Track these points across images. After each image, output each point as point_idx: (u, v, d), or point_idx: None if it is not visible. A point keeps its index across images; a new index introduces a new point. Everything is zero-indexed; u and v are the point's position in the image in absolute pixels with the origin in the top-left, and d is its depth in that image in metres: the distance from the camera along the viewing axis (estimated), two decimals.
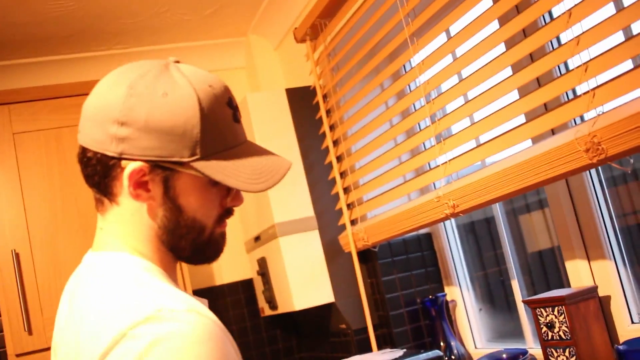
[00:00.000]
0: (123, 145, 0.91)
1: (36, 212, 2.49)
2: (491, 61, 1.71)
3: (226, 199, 1.00)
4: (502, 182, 1.67)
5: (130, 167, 0.91)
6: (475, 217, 2.37)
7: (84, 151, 0.95)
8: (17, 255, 2.42)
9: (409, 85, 2.20)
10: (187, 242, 0.97)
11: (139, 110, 0.90)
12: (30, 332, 2.40)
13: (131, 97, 0.91)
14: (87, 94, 2.68)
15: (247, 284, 3.05)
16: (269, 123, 2.58)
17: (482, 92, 1.74)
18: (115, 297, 0.87)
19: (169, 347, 0.79)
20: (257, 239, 2.72)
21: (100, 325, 0.85)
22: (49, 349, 2.41)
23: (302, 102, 2.64)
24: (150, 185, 0.93)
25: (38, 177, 2.52)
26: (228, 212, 1.01)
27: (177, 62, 0.98)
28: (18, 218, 2.46)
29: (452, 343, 2.28)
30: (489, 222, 2.29)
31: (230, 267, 3.07)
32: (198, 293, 2.94)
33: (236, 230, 3.04)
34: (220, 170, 0.93)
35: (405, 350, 2.13)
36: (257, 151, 1.00)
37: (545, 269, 2.12)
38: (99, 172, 0.94)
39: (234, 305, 3.05)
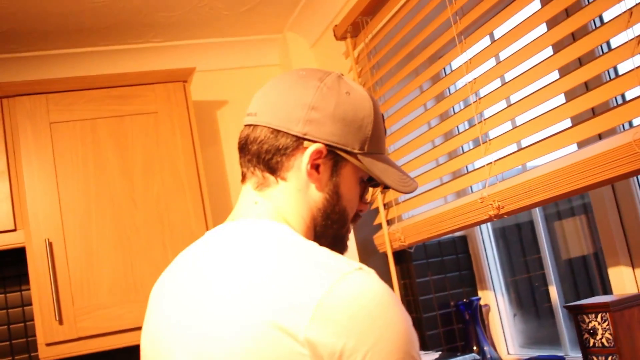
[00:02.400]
0: (309, 127, 1.02)
1: (70, 202, 2.49)
2: (538, 64, 1.68)
3: (362, 202, 1.12)
4: (549, 184, 1.65)
5: (313, 147, 1.02)
6: (511, 222, 2.34)
7: (256, 131, 1.05)
8: (50, 244, 2.42)
9: (449, 88, 2.18)
10: (333, 230, 1.07)
11: (329, 100, 1.03)
12: (61, 322, 2.39)
13: (322, 88, 1.04)
14: (123, 86, 2.67)
15: None
16: None
17: (528, 95, 1.72)
18: (314, 255, 0.92)
19: (379, 298, 0.87)
20: None
21: (302, 283, 0.88)
22: (79, 339, 2.42)
23: None
24: (321, 167, 1.03)
25: (73, 167, 2.52)
26: (358, 215, 1.13)
27: (344, 75, 1.11)
28: (52, 208, 2.47)
29: (485, 348, 2.25)
30: (525, 227, 2.26)
31: None
32: None
33: None
34: (377, 167, 1.06)
35: (440, 352, 2.10)
36: (395, 164, 1.13)
37: (580, 277, 2.09)
38: (277, 149, 1.03)
39: None
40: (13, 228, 2.43)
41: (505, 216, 1.81)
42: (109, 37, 2.85)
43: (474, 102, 1.91)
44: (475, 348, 2.25)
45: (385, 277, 2.44)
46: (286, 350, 0.86)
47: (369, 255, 2.49)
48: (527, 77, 1.72)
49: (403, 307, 0.90)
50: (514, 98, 1.86)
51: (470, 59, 1.92)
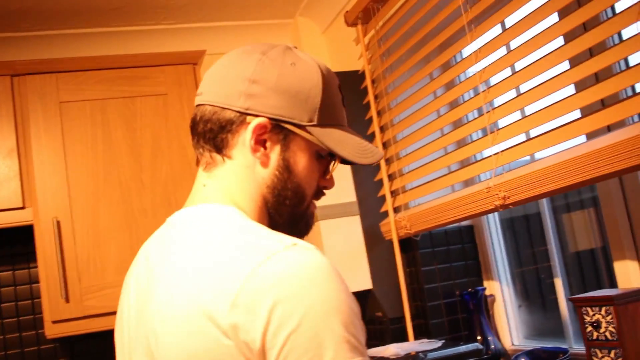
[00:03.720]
0: (251, 101, 0.98)
1: (78, 181, 2.50)
2: (549, 53, 1.66)
3: (323, 177, 1.07)
4: (555, 176, 1.63)
5: (255, 121, 0.98)
6: (519, 213, 2.33)
7: (203, 110, 1.02)
8: (58, 223, 2.44)
9: (459, 76, 2.16)
10: (287, 208, 1.02)
11: (271, 72, 0.99)
12: (67, 300, 2.41)
13: (264, 60, 1.00)
14: (134, 67, 2.68)
15: None
16: None
17: (538, 85, 1.70)
18: (246, 236, 0.90)
19: (317, 274, 0.84)
20: None
21: (226, 268, 0.86)
22: (85, 317, 2.44)
23: (349, 86, 2.61)
24: (268, 143, 1.00)
25: (82, 147, 2.53)
26: (320, 191, 1.08)
27: (296, 47, 1.07)
28: (61, 186, 2.48)
29: (489, 338, 2.24)
30: (532, 219, 2.25)
31: None
32: None
33: None
34: (331, 139, 1.01)
35: (443, 341, 2.10)
36: (358, 135, 1.08)
37: (587, 270, 2.08)
38: (220, 126, 1.00)
39: None
40: (21, 206, 2.44)
41: (511, 207, 1.81)
42: (121, 18, 2.84)
43: (482, 92, 1.89)
44: (479, 338, 2.24)
45: (391, 265, 2.44)
46: (212, 343, 0.84)
47: (376, 243, 2.49)
48: (536, 67, 1.71)
49: (343, 285, 0.86)
50: (522, 88, 1.84)
51: (479, 47, 1.90)
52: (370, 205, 2.52)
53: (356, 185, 2.52)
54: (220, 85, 1.01)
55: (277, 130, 1.00)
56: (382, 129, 2.48)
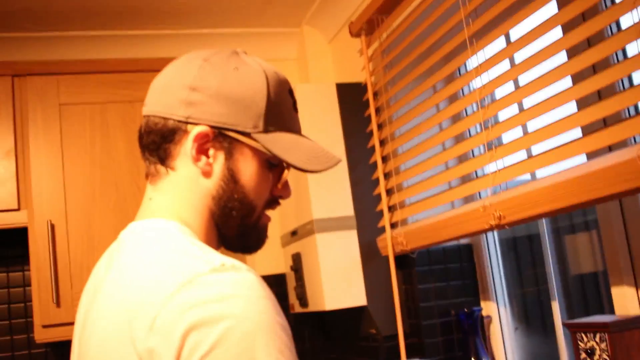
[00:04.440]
0: (191, 109, 0.94)
1: (75, 185, 2.48)
2: (551, 70, 1.62)
3: (276, 187, 1.03)
4: (553, 196, 1.59)
5: (196, 129, 0.94)
6: (519, 233, 2.28)
7: (147, 121, 0.98)
8: (52, 226, 2.42)
9: (462, 90, 2.12)
10: (236, 221, 0.99)
11: (212, 78, 0.95)
12: (58, 305, 2.39)
13: (205, 67, 0.96)
14: (135, 71, 2.67)
15: (280, 279, 2.99)
16: (316, 116, 2.53)
17: (539, 102, 1.66)
18: (173, 255, 0.87)
19: (239, 295, 0.80)
20: (293, 233, 2.67)
21: (149, 289, 0.83)
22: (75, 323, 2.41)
23: (351, 98, 2.58)
24: (211, 151, 0.96)
25: (80, 150, 2.52)
26: (275, 201, 1.04)
27: (244, 52, 1.04)
28: (57, 189, 2.46)
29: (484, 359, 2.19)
30: (532, 240, 2.20)
31: (264, 259, 3.02)
32: None
33: (273, 223, 2.98)
34: (278, 146, 0.97)
35: None
36: (312, 141, 1.04)
37: (588, 294, 2.02)
38: (162, 136, 0.96)
39: None
40: (17, 207, 2.43)
41: (507, 227, 1.76)
42: (125, 22, 2.83)
43: (481, 108, 1.85)
44: (472, 359, 2.19)
45: (387, 282, 2.39)
46: None
47: (372, 258, 2.45)
48: (537, 84, 1.66)
49: (267, 309, 0.81)
50: (524, 105, 1.80)
51: (480, 63, 1.86)
52: (367, 220, 2.48)
53: (355, 199, 2.48)
54: (162, 94, 0.98)
55: (221, 138, 0.96)
56: (383, 143, 2.44)
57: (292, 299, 2.75)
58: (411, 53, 2.23)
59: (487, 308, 2.35)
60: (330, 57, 3.06)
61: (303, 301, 2.60)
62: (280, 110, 0.99)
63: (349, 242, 2.44)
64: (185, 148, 0.96)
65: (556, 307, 2.05)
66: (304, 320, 3.03)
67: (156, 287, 0.82)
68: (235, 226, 0.99)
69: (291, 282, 2.74)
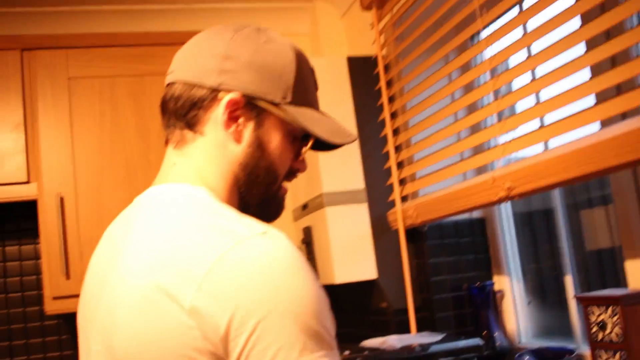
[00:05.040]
0: (224, 76, 0.96)
1: (84, 158, 2.48)
2: (564, 37, 1.58)
3: (296, 159, 1.04)
4: (563, 166, 1.55)
5: (228, 96, 0.96)
6: (532, 208, 2.24)
7: (174, 88, 0.99)
8: (61, 199, 2.42)
9: (475, 59, 2.08)
10: (260, 189, 1.00)
11: (245, 48, 0.97)
12: (68, 277, 2.40)
13: (237, 38, 0.98)
14: (144, 45, 2.64)
15: None
16: (326, 90, 2.48)
17: (552, 70, 1.61)
18: (213, 218, 0.87)
19: (277, 264, 0.81)
20: (304, 207, 2.65)
21: (192, 250, 0.83)
22: None
23: (363, 71, 2.54)
24: (241, 119, 0.97)
25: (89, 124, 2.51)
26: (292, 174, 1.05)
27: (268, 29, 1.05)
28: (66, 162, 2.46)
29: (495, 334, 2.17)
30: (546, 214, 2.16)
31: None
32: None
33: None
34: (305, 118, 0.99)
35: (444, 335, 2.03)
36: (331, 118, 1.06)
37: (603, 269, 1.99)
38: (192, 102, 0.97)
39: None
40: (26, 180, 2.43)
41: (517, 198, 1.73)
42: None
43: (491, 79, 1.81)
44: (484, 333, 2.17)
45: (398, 256, 2.37)
46: (173, 322, 0.81)
47: (383, 232, 2.42)
48: (550, 51, 1.62)
49: (311, 277, 0.83)
50: (535, 73, 1.75)
51: (492, 32, 1.82)
52: (378, 194, 2.45)
53: (365, 173, 2.45)
54: (192, 62, 0.99)
55: (250, 107, 0.97)
56: (394, 116, 2.41)
57: None
58: (422, 24, 2.18)
59: (500, 282, 2.32)
60: (343, 31, 3.01)
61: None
62: (306, 85, 1.02)
63: (359, 216, 2.42)
64: (216, 114, 0.97)
65: (569, 282, 2.02)
66: None
67: (201, 247, 0.83)
68: (258, 194, 1.01)
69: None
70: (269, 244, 0.82)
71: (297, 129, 1.01)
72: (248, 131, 0.98)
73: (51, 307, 2.38)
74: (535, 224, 2.25)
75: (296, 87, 0.99)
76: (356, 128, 2.47)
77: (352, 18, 2.89)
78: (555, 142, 1.69)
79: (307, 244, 2.61)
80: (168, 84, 1.01)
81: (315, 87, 1.06)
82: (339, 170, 2.44)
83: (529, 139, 1.70)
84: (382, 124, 2.46)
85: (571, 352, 1.84)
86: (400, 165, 2.39)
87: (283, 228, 2.87)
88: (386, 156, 2.44)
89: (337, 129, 1.04)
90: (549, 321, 2.21)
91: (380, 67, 2.42)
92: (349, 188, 2.43)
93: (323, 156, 2.42)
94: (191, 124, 0.98)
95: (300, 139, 1.04)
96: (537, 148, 1.77)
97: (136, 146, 2.53)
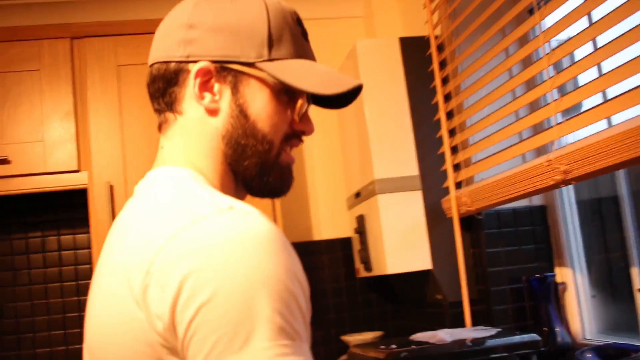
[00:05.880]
0: (190, 47, 0.90)
1: (133, 146, 2.46)
2: (627, 1, 1.43)
3: (295, 120, 0.95)
4: (624, 144, 1.40)
5: (196, 66, 0.89)
6: (597, 195, 2.09)
7: (151, 70, 0.93)
8: (111, 187, 2.40)
9: (533, 31, 1.92)
10: (253, 159, 0.91)
11: (207, 12, 0.90)
12: None
13: (200, 3, 0.92)
14: None
15: (346, 243, 2.90)
16: (378, 73, 2.40)
17: (614, 39, 1.47)
18: (180, 199, 0.81)
19: (245, 240, 0.72)
20: (357, 195, 2.57)
21: (150, 233, 0.77)
22: None
23: (416, 52, 2.43)
24: (216, 89, 0.90)
25: (138, 112, 2.48)
26: (296, 136, 0.96)
27: None
28: (115, 151, 2.44)
29: (557, 329, 2.03)
30: (614, 201, 2.00)
31: (330, 223, 2.93)
32: (293, 247, 2.83)
33: (339, 184, 2.90)
34: (288, 73, 0.89)
35: (499, 330, 1.91)
36: (327, 67, 0.95)
37: None
38: (166, 81, 0.91)
39: (330, 263, 2.91)
40: (76, 169, 2.43)
41: (574, 182, 1.59)
42: None
43: (545, 55, 1.67)
44: (545, 329, 2.04)
45: (453, 245, 2.26)
46: (128, 315, 0.74)
47: (438, 221, 2.31)
48: (611, 19, 1.47)
49: (281, 256, 0.72)
50: (595, 44, 1.61)
51: (547, 2, 1.68)
52: (434, 180, 2.34)
53: (419, 159, 2.34)
54: (161, 39, 0.93)
55: (225, 73, 0.90)
56: (447, 98, 2.29)
57: (358, 263, 2.66)
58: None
59: (562, 274, 2.18)
60: (397, 12, 2.90)
61: (367, 265, 2.49)
62: (285, 36, 0.92)
63: (413, 204, 2.32)
64: (190, 88, 0.90)
65: (636, 274, 1.87)
66: (371, 285, 2.93)
67: (157, 229, 0.76)
68: (252, 165, 0.91)
69: (357, 246, 2.65)
70: (230, 220, 0.74)
71: (285, 88, 0.91)
72: (225, 100, 0.90)
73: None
74: (601, 212, 2.10)
75: (272, 41, 0.90)
76: (409, 111, 2.37)
77: None
78: (618, 119, 1.54)
79: (360, 233, 2.53)
80: (149, 67, 0.95)
81: (302, 36, 0.95)
82: (392, 156, 2.34)
83: (586, 117, 1.56)
84: (436, 106, 2.34)
85: (638, 349, 1.70)
86: (454, 149, 2.27)
87: (337, 218, 2.82)
88: (440, 140, 2.33)
89: (329, 76, 0.92)
90: (615, 316, 2.06)
91: (433, 47, 2.31)
92: (402, 174, 2.33)
93: (375, 141, 2.33)
94: (169, 104, 0.93)
95: (296, 95, 0.94)
96: (598, 127, 1.62)
97: None
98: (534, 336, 1.77)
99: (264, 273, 0.70)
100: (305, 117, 0.96)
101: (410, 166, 2.34)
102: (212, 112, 0.91)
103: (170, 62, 0.91)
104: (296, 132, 0.95)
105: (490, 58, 2.00)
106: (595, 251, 2.12)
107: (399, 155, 2.34)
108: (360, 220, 2.52)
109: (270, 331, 0.68)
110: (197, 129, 0.91)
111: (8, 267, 2.72)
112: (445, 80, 2.31)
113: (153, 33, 2.66)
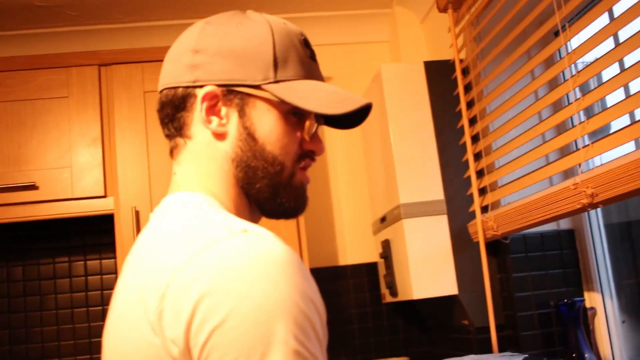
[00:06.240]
0: (197, 72, 0.91)
1: (159, 171, 2.47)
2: None
3: (305, 140, 0.95)
4: None
5: (203, 90, 0.90)
6: (626, 218, 2.06)
7: (160, 97, 0.96)
8: (137, 212, 2.41)
9: (559, 52, 1.91)
10: (264, 181, 0.92)
11: (213, 37, 0.91)
12: None
13: (206, 28, 0.93)
14: None
15: (372, 268, 2.88)
16: (403, 96, 2.40)
17: (639, 60, 1.45)
18: (194, 222, 0.82)
19: (259, 262, 0.72)
20: (382, 219, 2.55)
21: (164, 258, 0.78)
22: None
23: (441, 76, 2.43)
24: (223, 112, 0.91)
25: (164, 138, 2.49)
26: (307, 157, 0.96)
27: (253, 11, 0.99)
28: (141, 175, 2.46)
29: (586, 355, 1.99)
30: None
31: (356, 248, 2.92)
32: (318, 272, 2.82)
33: (365, 209, 2.89)
34: (294, 94, 0.90)
35: (526, 356, 1.88)
36: (335, 87, 0.95)
37: None
38: (174, 106, 0.93)
39: (356, 288, 2.89)
40: (103, 194, 2.44)
41: (601, 206, 1.57)
42: (208, 8, 2.80)
43: (571, 77, 1.66)
44: (574, 355, 2.00)
45: (479, 270, 2.23)
46: (143, 342, 0.74)
47: (464, 245, 2.29)
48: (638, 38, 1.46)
49: (296, 280, 0.72)
50: (622, 65, 1.59)
51: (573, 23, 1.67)
52: (459, 204, 2.33)
53: (445, 183, 2.33)
54: (168, 65, 0.96)
55: (231, 96, 0.91)
56: (472, 122, 2.28)
57: (383, 288, 2.63)
58: (500, 22, 2.05)
59: (591, 299, 2.14)
60: (423, 37, 2.91)
61: (393, 290, 2.47)
62: (292, 58, 0.92)
63: (438, 228, 2.30)
64: (198, 113, 0.91)
65: None
66: (397, 310, 2.91)
67: (172, 254, 0.77)
68: (265, 187, 0.92)
69: (382, 271, 2.63)
70: (245, 242, 0.74)
71: (293, 108, 0.92)
72: (233, 123, 0.91)
73: None
74: (631, 236, 2.06)
75: (278, 63, 0.91)
76: (434, 135, 2.36)
77: (431, 23, 2.78)
78: None
79: (386, 258, 2.51)
80: (159, 94, 0.98)
81: (309, 57, 0.96)
82: (417, 180, 2.33)
83: (614, 139, 1.53)
84: (461, 130, 2.33)
85: None
86: (480, 173, 2.25)
87: (363, 242, 2.82)
88: (466, 164, 2.31)
89: (337, 97, 0.91)
90: None
91: (458, 71, 2.30)
92: (427, 199, 2.32)
93: (400, 165, 2.32)
94: (178, 129, 0.94)
95: (304, 116, 0.95)
96: (625, 149, 1.60)
97: None
98: None
99: (279, 296, 0.70)
100: (315, 137, 0.96)
101: (435, 190, 2.32)
102: (220, 135, 0.91)
103: (178, 87, 0.92)
104: (307, 153, 0.95)
105: (516, 81, 1.99)
106: (625, 276, 2.08)
107: (425, 180, 2.33)
108: (386, 245, 2.50)
109: (285, 353, 0.68)
110: (207, 153, 0.92)
111: (35, 292, 2.74)
112: (470, 104, 2.30)
113: None
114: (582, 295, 2.16)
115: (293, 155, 0.93)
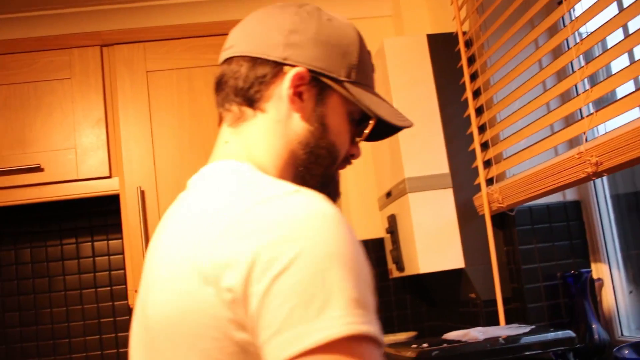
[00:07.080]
0: (290, 50, 0.93)
1: (164, 150, 2.48)
2: None
3: (352, 143, 1.01)
4: None
5: (294, 70, 0.92)
6: (635, 188, 2.04)
7: (233, 63, 0.95)
8: (142, 192, 2.42)
9: (562, 19, 1.88)
10: (320, 169, 0.96)
11: (310, 23, 0.95)
12: None
13: (301, 13, 0.96)
14: (221, 34, 2.63)
15: (378, 243, 2.88)
16: (406, 70, 2.38)
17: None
18: (246, 184, 0.84)
19: (316, 217, 0.74)
20: (388, 194, 2.55)
21: (217, 213, 0.80)
22: None
23: (444, 49, 2.41)
24: (305, 95, 0.94)
25: (168, 116, 2.50)
26: (347, 159, 1.02)
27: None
28: (146, 155, 2.46)
29: (594, 326, 1.98)
30: None
31: (362, 224, 2.92)
32: None
33: (370, 185, 2.88)
34: (367, 98, 0.96)
35: (533, 327, 1.88)
36: (388, 102, 1.03)
37: None
38: (255, 77, 0.93)
39: None
40: (108, 175, 2.45)
41: (605, 174, 1.55)
42: None
43: (574, 45, 1.64)
44: (582, 326, 1.99)
45: (486, 243, 2.22)
46: (195, 291, 0.75)
47: (470, 218, 2.28)
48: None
49: (349, 236, 0.74)
50: (628, 29, 1.57)
51: None
52: (465, 178, 2.31)
53: (449, 156, 2.32)
54: (255, 37, 0.95)
55: (314, 83, 0.94)
56: (476, 94, 2.26)
57: (390, 263, 2.63)
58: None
59: (598, 270, 2.13)
60: (425, 10, 2.88)
61: (399, 265, 2.47)
62: (367, 66, 1.00)
63: (444, 202, 2.29)
64: (280, 90, 0.94)
65: None
66: (404, 285, 2.91)
67: (227, 208, 0.79)
68: (318, 175, 0.97)
69: (389, 246, 2.62)
70: (301, 199, 0.76)
71: (355, 111, 0.98)
72: (311, 108, 0.94)
73: (134, 300, 2.39)
74: (637, 206, 2.05)
75: (359, 66, 0.97)
76: (438, 108, 2.34)
77: None
78: None
79: (392, 233, 2.51)
80: (226, 60, 0.97)
81: (373, 70, 1.02)
82: (422, 154, 2.32)
83: (619, 106, 1.52)
84: (465, 103, 2.32)
85: None
86: (485, 145, 2.24)
87: (369, 218, 2.80)
88: (470, 137, 2.30)
89: (396, 112, 0.99)
90: None
91: (461, 43, 2.28)
92: (432, 172, 2.31)
93: (404, 140, 2.31)
94: (252, 101, 0.95)
95: (357, 122, 1.00)
96: (630, 116, 1.58)
97: (215, 136, 2.49)
98: (569, 333, 1.74)
99: (337, 247, 0.72)
100: (357, 143, 1.02)
101: (440, 164, 2.31)
102: (296, 117, 0.94)
103: (263, 59, 0.93)
104: (348, 154, 1.01)
105: (519, 51, 1.97)
106: (632, 246, 2.07)
107: (429, 153, 2.32)
108: (392, 220, 2.50)
109: (345, 300, 0.70)
110: (276, 129, 0.94)
111: (44, 274, 2.75)
112: (474, 76, 2.29)
113: (181, 38, 2.69)
114: (589, 267, 2.16)
115: (344, 153, 0.99)
